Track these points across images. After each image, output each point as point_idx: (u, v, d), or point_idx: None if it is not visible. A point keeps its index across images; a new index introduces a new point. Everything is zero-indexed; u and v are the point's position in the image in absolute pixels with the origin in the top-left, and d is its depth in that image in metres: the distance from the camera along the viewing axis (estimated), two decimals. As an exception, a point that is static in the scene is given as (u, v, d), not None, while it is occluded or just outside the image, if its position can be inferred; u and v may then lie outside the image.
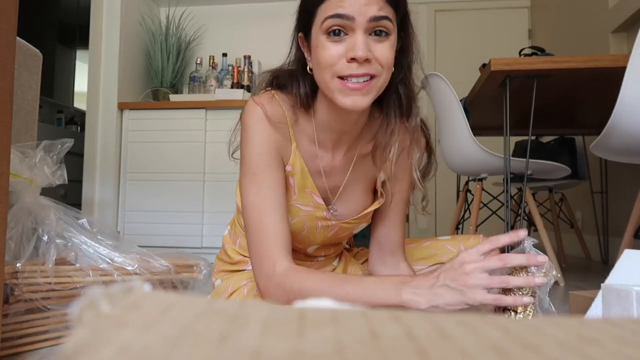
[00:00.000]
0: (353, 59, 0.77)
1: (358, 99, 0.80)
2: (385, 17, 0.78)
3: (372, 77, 0.79)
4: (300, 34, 0.88)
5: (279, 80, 0.93)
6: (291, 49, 0.92)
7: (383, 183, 0.98)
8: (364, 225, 1.03)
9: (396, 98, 0.89)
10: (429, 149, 0.99)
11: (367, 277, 0.84)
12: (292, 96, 0.90)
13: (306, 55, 0.87)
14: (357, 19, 0.77)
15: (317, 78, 0.84)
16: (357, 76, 0.78)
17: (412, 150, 0.93)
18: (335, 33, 0.79)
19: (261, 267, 0.84)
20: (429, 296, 0.74)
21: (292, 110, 0.90)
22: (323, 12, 0.80)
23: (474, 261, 0.73)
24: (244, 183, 0.88)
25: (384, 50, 0.79)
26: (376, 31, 0.79)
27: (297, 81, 0.90)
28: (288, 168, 0.91)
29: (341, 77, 0.79)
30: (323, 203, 0.96)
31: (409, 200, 1.02)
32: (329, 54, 0.79)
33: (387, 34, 0.80)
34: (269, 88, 0.93)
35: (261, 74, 0.96)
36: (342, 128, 0.91)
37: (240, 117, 0.92)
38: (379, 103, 0.91)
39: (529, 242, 0.76)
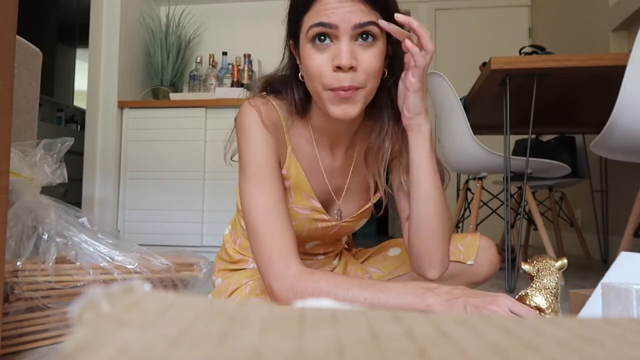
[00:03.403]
0: (339, 68, 0.77)
1: (348, 108, 0.79)
2: (371, 23, 0.78)
3: (357, 88, 0.79)
4: (291, 42, 0.88)
5: (273, 86, 0.92)
6: (284, 55, 0.92)
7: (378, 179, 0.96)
8: (364, 221, 1.04)
9: (389, 101, 0.89)
10: None
11: (387, 283, 0.81)
12: (287, 102, 0.90)
13: (298, 62, 0.87)
14: (341, 27, 0.76)
15: (308, 87, 0.84)
16: (344, 88, 0.78)
17: (401, 154, 0.92)
18: (320, 39, 0.78)
19: (272, 270, 0.81)
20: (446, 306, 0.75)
21: (287, 114, 0.90)
22: (307, 21, 0.79)
23: (503, 310, 0.73)
24: (244, 185, 0.86)
25: (370, 58, 0.78)
26: (362, 36, 0.78)
27: (291, 88, 0.90)
28: (283, 171, 0.91)
29: (331, 89, 0.79)
30: (320, 206, 0.96)
31: None
32: (315, 64, 0.79)
33: (374, 39, 0.79)
34: (264, 93, 0.92)
35: (255, 80, 0.96)
36: (337, 131, 0.92)
37: (235, 120, 0.92)
38: (373, 102, 0.91)
39: None
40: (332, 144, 0.95)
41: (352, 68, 0.77)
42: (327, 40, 0.78)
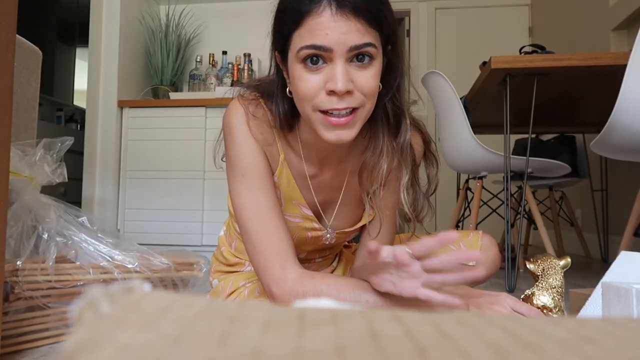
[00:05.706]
0: (333, 92, 0.71)
1: (343, 133, 0.74)
2: (368, 44, 0.71)
3: (355, 109, 0.73)
4: (277, 53, 0.81)
5: (264, 90, 0.87)
6: (271, 65, 0.85)
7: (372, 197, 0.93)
8: (356, 234, 1.01)
9: (384, 117, 0.83)
10: (427, 159, 0.94)
11: None
12: (274, 114, 0.84)
13: (285, 75, 0.80)
14: (336, 49, 0.70)
15: (298, 107, 0.78)
16: (339, 110, 0.72)
17: (401, 171, 0.86)
18: (312, 61, 0.72)
19: (270, 273, 0.79)
20: None
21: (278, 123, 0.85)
22: (298, 40, 0.72)
23: (506, 310, 0.73)
24: (234, 186, 0.83)
25: (367, 79, 0.72)
26: (358, 56, 0.72)
27: (276, 102, 0.83)
28: (274, 179, 0.88)
29: (323, 111, 0.73)
30: (312, 214, 0.93)
31: (396, 215, 0.95)
32: (306, 86, 0.72)
33: (371, 59, 0.73)
34: (257, 94, 0.86)
35: (246, 83, 0.90)
36: (327, 148, 0.86)
37: (224, 118, 0.87)
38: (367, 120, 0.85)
39: None
40: (320, 160, 0.89)
41: (348, 92, 0.71)
42: (320, 62, 0.72)
